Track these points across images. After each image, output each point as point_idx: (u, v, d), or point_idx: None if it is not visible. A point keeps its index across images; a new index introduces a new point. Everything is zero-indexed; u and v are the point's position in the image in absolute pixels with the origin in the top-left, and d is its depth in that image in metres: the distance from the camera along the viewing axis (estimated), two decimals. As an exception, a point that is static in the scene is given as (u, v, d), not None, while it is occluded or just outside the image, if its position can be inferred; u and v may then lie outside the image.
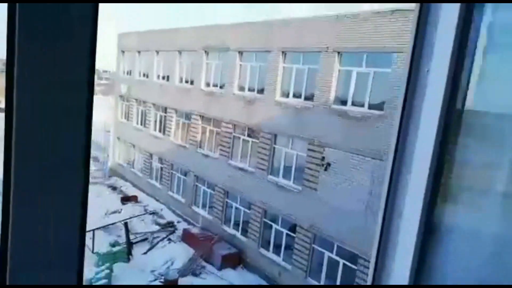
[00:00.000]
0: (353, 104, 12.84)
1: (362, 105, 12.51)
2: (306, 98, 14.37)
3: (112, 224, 19.29)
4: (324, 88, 13.53)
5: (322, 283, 13.43)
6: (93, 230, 17.42)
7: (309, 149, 13.92)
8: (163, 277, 14.50)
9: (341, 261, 12.81)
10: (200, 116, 19.82)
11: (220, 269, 15.58)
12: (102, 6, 0.73)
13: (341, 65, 13.24)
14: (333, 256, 13.08)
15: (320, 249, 13.58)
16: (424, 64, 1.07)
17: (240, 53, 17.34)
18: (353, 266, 12.41)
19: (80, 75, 0.71)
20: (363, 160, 12.15)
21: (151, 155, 24.13)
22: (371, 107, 12.29)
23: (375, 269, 1.23)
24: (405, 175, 1.19)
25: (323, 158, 13.40)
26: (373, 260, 1.25)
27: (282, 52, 15.16)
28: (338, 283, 12.91)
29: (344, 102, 13.12)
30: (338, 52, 13.14)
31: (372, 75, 12.27)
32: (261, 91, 16.26)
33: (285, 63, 15.28)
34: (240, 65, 17.40)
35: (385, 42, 11.67)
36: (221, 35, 18.01)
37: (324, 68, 13.53)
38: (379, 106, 12.03)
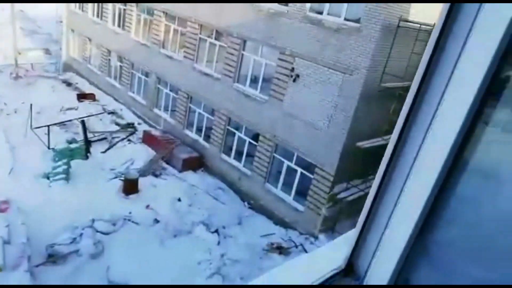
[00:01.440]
0: (329, 14, 12.21)
1: (339, 16, 11.93)
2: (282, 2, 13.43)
3: (69, 121, 18.60)
4: (301, -8, 12.61)
5: (279, 189, 14.23)
6: (48, 126, 16.73)
7: (279, 59, 13.48)
8: (123, 176, 14.64)
9: (299, 170, 13.46)
10: (163, 12, 18.21)
11: (181, 171, 15.93)
12: None
13: (322, -33, 12.21)
14: (292, 165, 13.67)
15: (280, 158, 14.08)
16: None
17: None
18: (310, 175, 13.12)
19: None
20: (333, 74, 12.03)
21: (109, 52, 22.49)
22: (347, 19, 11.77)
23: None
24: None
25: (292, 69, 13.11)
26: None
27: None
28: (294, 189, 13.73)
29: (320, 13, 12.42)
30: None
31: (353, -17, 11.49)
32: (233, -10, 14.92)
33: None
34: (212, -44, 15.58)
35: None
36: None
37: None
38: (356, 20, 11.54)
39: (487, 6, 0.82)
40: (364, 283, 1.04)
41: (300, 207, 13.52)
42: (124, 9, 20.63)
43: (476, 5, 0.84)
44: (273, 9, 13.52)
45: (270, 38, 13.67)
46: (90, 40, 24.22)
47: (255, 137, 14.83)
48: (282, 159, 13.98)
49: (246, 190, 15.18)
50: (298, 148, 13.24)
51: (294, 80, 13.10)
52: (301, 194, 13.50)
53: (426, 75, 0.92)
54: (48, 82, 24.00)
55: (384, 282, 0.99)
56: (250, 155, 15.16)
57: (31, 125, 17.34)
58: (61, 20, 27.16)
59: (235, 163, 15.73)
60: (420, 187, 0.97)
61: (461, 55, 0.88)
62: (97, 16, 22.98)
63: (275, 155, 14.24)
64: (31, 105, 18.11)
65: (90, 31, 23.75)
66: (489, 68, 0.84)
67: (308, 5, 12.54)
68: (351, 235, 1.10)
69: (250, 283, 1.11)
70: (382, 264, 1.01)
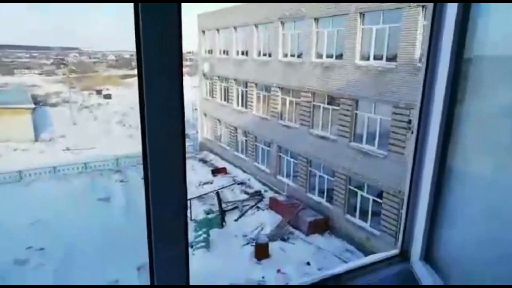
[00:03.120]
0: (442, 60, 11.85)
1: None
2: (388, 59, 13.64)
3: (206, 194, 21.03)
4: (408, 46, 12.67)
5: (413, 249, 13.13)
6: (190, 199, 19.25)
7: (393, 113, 13.34)
8: (254, 241, 15.57)
9: (434, 227, 12.32)
10: (279, 87, 20.08)
11: (307, 234, 16.14)
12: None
13: (426, 18, 12.21)
14: (425, 221, 12.62)
15: (409, 214, 13.18)
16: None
17: (316, 20, 16.94)
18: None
19: (173, 62, 0.91)
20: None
21: (235, 129, 25.33)
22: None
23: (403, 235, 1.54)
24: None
25: (409, 121, 12.76)
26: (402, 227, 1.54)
27: (360, 13, 14.45)
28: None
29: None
30: (422, 6, 12.10)
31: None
32: (339, 56, 15.83)
33: (363, 25, 14.58)
34: (317, 32, 17.05)
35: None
36: (295, 3, 17.73)
37: (407, 25, 12.61)
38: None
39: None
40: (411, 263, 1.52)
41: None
42: (246, 90, 23.44)
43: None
44: (381, 66, 13.76)
45: (381, 94, 13.76)
46: (219, 121, 27.82)
47: (379, 194, 14.34)
48: (413, 216, 13.04)
49: (376, 252, 14.37)
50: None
51: (412, 132, 12.62)
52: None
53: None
54: (188, 162, 27.92)
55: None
56: (376, 214, 14.59)
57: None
58: (196, 108, 32.11)
59: (361, 223, 15.27)
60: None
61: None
62: (224, 100, 26.54)
63: (402, 211, 13.38)
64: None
65: (219, 114, 27.39)
66: None
67: (417, 57, 12.46)
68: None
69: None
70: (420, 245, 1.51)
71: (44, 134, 35.21)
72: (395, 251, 1.67)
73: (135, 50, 0.92)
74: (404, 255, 1.56)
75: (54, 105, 50.98)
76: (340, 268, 1.54)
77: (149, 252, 0.95)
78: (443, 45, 1.34)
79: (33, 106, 35.38)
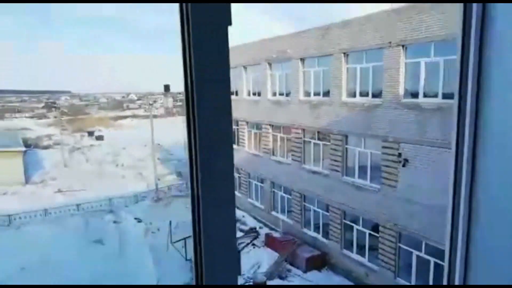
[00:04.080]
0: (425, 95, 12.46)
1: (436, 96, 12.09)
2: (374, 96, 14.25)
3: (201, 233, 20.79)
4: (392, 83, 13.32)
5: (413, 283, 13.09)
6: (185, 239, 19.00)
7: (383, 147, 13.75)
8: (251, 280, 15.31)
9: (432, 260, 12.38)
10: (269, 125, 20.56)
11: (305, 271, 15.96)
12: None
13: (407, 57, 12.95)
14: (422, 254, 12.69)
15: (407, 248, 13.26)
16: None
17: (302, 60, 17.74)
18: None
19: (223, 66, 0.90)
20: (444, 152, 11.70)
21: (228, 166, 25.46)
22: (445, 96, 11.83)
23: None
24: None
25: (399, 154, 13.15)
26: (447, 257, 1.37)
27: (344, 53, 15.23)
28: (431, 282, 12.49)
29: (415, 95, 12.78)
30: (403, 46, 12.87)
31: (442, 64, 11.82)
32: (326, 93, 16.46)
33: (348, 64, 15.33)
34: (303, 72, 17.79)
35: (453, 29, 11.21)
36: (281, 45, 18.61)
37: (389, 63, 13.33)
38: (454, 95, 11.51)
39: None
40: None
41: (442, 302, 12.02)
42: (237, 128, 23.88)
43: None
44: (368, 102, 14.35)
45: (369, 129, 14.24)
46: (212, 159, 27.98)
47: (375, 228, 14.44)
48: (410, 249, 13.12)
49: None
50: (426, 236, 12.40)
51: (403, 165, 13.01)
52: (439, 286, 12.15)
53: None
54: (181, 200, 27.75)
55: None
56: (373, 248, 14.60)
57: (171, 240, 19.91)
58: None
59: (358, 258, 15.22)
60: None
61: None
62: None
63: (401, 245, 13.48)
64: (170, 222, 21.04)
65: (211, 152, 27.58)
66: None
67: (401, 92, 13.07)
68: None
69: None
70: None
71: (35, 177, 34.83)
72: None
73: (181, 52, 0.88)
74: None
75: (45, 147, 50.72)
76: None
77: (194, 253, 0.96)
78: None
79: (23, 149, 35.23)
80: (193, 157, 0.91)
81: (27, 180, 33.30)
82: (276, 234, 19.08)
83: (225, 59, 0.91)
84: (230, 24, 0.88)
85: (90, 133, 60.38)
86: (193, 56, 0.85)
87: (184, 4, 0.86)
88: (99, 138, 58.07)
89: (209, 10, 0.85)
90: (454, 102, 1.28)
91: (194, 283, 0.99)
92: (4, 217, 23.75)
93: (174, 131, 42.04)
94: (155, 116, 35.56)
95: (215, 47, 0.88)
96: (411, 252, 13.07)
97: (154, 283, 16.22)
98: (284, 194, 19.88)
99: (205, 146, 0.91)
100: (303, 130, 18.02)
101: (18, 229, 22.97)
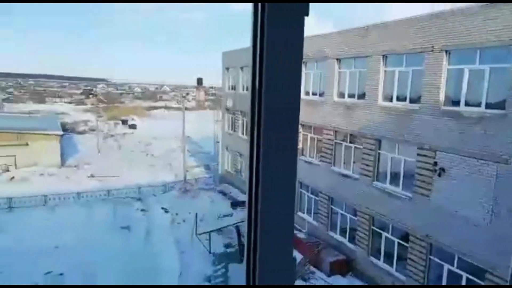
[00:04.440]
0: (467, 104, 11.91)
1: (479, 105, 11.52)
2: (412, 101, 13.77)
3: (225, 227, 20.98)
4: (431, 89, 12.82)
5: (439, 296, 12.62)
6: (209, 232, 19.23)
7: (418, 154, 13.29)
8: (273, 280, 15.28)
9: (464, 275, 11.88)
10: (300, 124, 20.36)
11: (329, 275, 15.75)
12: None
13: (450, 63, 12.41)
14: (454, 269, 12.20)
15: (438, 260, 12.79)
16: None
17: (339, 60, 17.42)
18: (479, 281, 11.41)
19: (295, 71, 0.84)
20: (484, 164, 11.16)
21: (256, 163, 25.50)
22: (489, 106, 11.25)
23: None
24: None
25: (435, 163, 12.67)
26: None
27: (383, 56, 14.81)
28: (458, 297, 12.00)
29: (456, 103, 12.24)
30: (446, 51, 12.34)
31: (487, 72, 11.24)
32: (362, 96, 16.09)
33: (386, 67, 14.89)
34: (339, 72, 17.47)
35: (502, 35, 10.63)
36: (318, 44, 18.34)
37: (430, 68, 12.83)
38: (499, 105, 10.95)
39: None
40: None
41: (471, 320, 11.53)
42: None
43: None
44: (405, 108, 13.89)
45: (405, 134, 13.80)
46: (240, 154, 28.15)
47: (405, 237, 14.02)
48: (441, 262, 12.64)
49: (400, 297, 13.87)
50: (458, 249, 11.91)
51: (439, 175, 12.53)
52: (470, 303, 11.63)
53: None
54: (207, 194, 28.11)
55: None
56: (402, 258, 14.19)
57: (196, 232, 20.21)
58: (218, 141, 32.68)
59: (385, 266, 14.85)
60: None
61: None
62: (245, 134, 26.98)
63: (431, 257, 13.01)
64: (196, 214, 21.36)
65: (240, 147, 27.76)
66: None
67: (442, 99, 12.55)
68: None
69: None
70: None
71: (70, 160, 36.32)
72: None
73: (251, 53, 0.86)
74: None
75: (81, 132, 52.79)
76: None
77: (247, 253, 0.94)
78: None
79: (61, 133, 36.81)
80: (254, 158, 0.91)
81: (62, 163, 34.78)
82: (301, 235, 18.94)
83: (298, 57, 0.85)
84: (307, 14, 0.83)
85: (124, 122, 62.27)
86: (266, 54, 0.82)
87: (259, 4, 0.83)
88: (132, 126, 59.77)
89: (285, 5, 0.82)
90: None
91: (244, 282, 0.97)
92: (40, 197, 24.90)
93: (205, 125, 42.63)
94: (186, 109, 36.11)
95: (289, 42, 0.83)
96: (442, 265, 12.59)
97: (176, 273, 16.52)
98: (311, 195, 19.68)
99: (269, 147, 0.89)
100: (335, 131, 17.73)
101: (52, 209, 24.05)
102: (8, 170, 31.69)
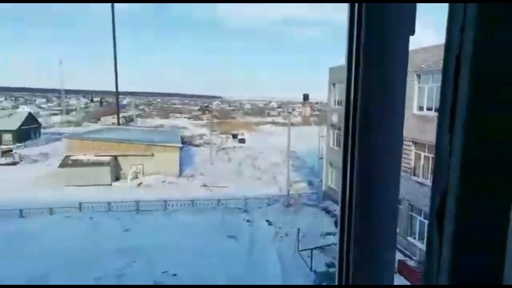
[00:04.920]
0: None
1: None
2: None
3: (329, 245, 20.50)
4: None
5: None
6: (311, 249, 19.01)
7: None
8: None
9: None
10: (412, 141, 18.90)
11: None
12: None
13: None
14: None
15: None
16: None
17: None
18: None
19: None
20: None
21: (362, 181, 24.46)
22: None
23: None
24: None
25: None
26: None
27: None
28: None
29: None
30: None
31: None
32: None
33: None
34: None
35: None
36: (433, 54, 16.91)
37: None
38: None
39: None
40: None
41: None
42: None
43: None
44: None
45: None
46: (345, 171, 27.35)
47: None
48: None
49: None
50: None
51: None
52: None
53: None
54: (310, 210, 27.92)
55: None
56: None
57: (297, 247, 20.19)
58: (321, 157, 32.38)
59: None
60: None
61: None
62: (351, 150, 26.15)
63: None
64: (298, 229, 21.37)
65: (346, 164, 26.96)
66: None
67: None
68: None
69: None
70: None
71: (187, 171, 40.13)
72: None
73: (346, 58, 0.79)
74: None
75: (197, 145, 58.07)
76: None
77: (339, 254, 0.89)
78: None
79: (181, 145, 41.08)
80: (349, 163, 0.84)
81: (180, 173, 38.62)
82: (411, 263, 17.39)
83: (403, 75, 0.77)
84: (413, 33, 0.75)
85: (234, 136, 66.48)
86: (362, 69, 0.76)
87: (356, 4, 0.75)
88: (241, 141, 63.37)
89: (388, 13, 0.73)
90: None
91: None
92: (161, 202, 28.04)
93: (309, 140, 42.76)
94: (292, 124, 36.79)
95: (392, 48, 0.75)
96: None
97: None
98: (423, 219, 17.96)
99: (365, 162, 0.81)
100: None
101: (170, 214, 26.82)
102: (137, 177, 36.52)
